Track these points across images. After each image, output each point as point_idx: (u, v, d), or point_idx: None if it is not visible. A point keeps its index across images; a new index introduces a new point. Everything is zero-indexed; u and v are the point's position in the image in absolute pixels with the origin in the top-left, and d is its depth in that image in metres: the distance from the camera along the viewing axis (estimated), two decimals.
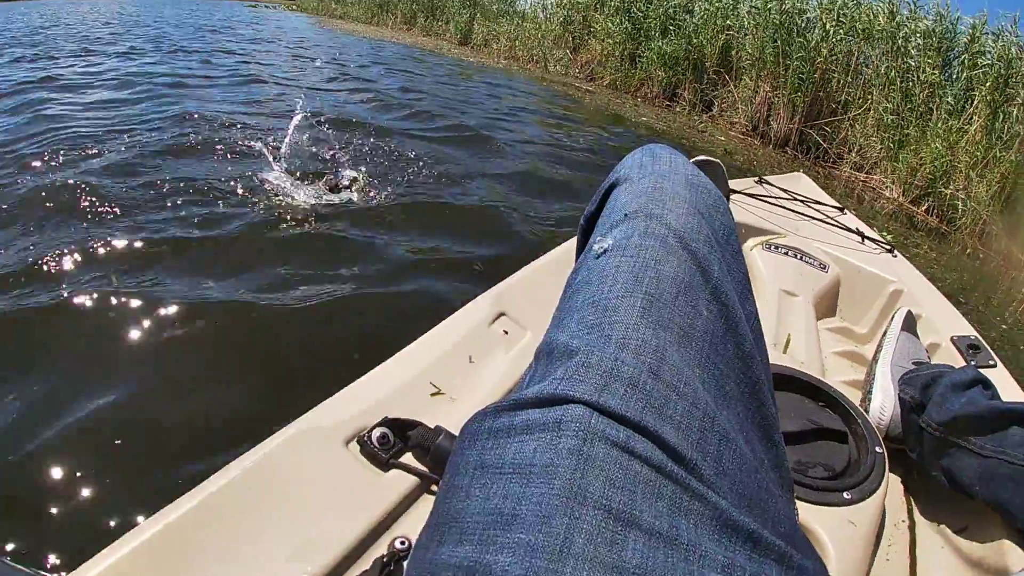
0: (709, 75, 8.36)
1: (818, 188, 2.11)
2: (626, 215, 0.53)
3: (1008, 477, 0.79)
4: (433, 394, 0.80)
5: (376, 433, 0.70)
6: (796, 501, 0.76)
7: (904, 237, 4.77)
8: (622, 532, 0.33)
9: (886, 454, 0.86)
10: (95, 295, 1.78)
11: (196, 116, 3.95)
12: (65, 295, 1.78)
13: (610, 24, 9.68)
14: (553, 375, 0.41)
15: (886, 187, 6.51)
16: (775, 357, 1.01)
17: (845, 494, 0.78)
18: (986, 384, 0.92)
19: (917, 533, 0.90)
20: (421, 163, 3.49)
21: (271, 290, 1.98)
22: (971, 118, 6.16)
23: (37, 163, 2.87)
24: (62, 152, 3.02)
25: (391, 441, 0.70)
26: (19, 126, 3.60)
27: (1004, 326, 3.42)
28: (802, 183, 2.16)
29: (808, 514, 0.76)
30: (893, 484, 0.97)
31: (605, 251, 0.50)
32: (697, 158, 1.27)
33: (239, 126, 3.83)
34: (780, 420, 0.83)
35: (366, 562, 0.61)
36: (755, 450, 0.47)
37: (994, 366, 1.19)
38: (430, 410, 0.77)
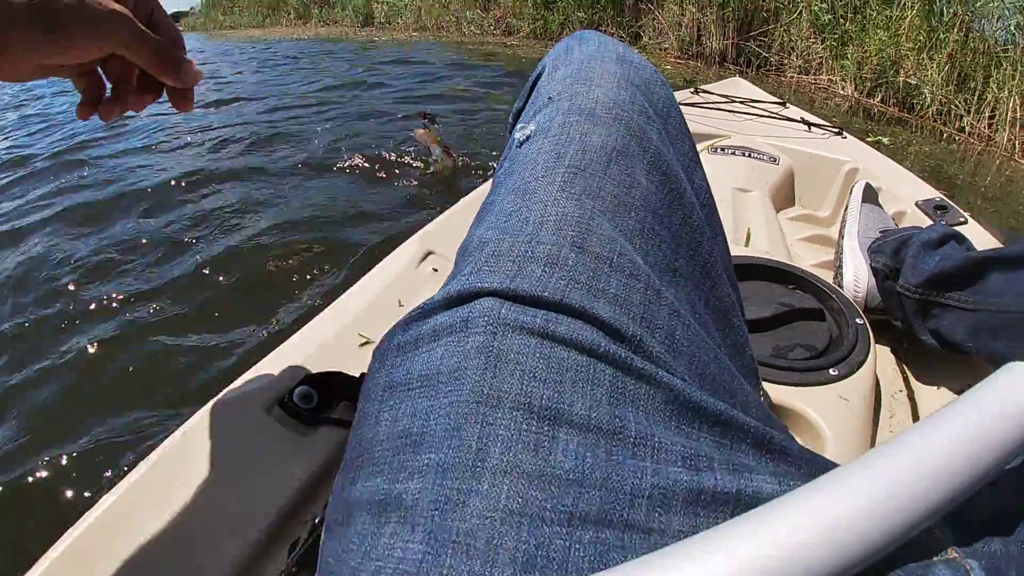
0: (630, 6, 8.37)
1: (757, 89, 2.12)
2: (550, 98, 0.50)
3: (1000, 326, 0.79)
4: (362, 344, 0.80)
5: (298, 392, 0.69)
6: (781, 386, 0.75)
7: (865, 130, 4.86)
8: (548, 432, 0.30)
9: (868, 325, 0.86)
10: None
11: None
12: None
13: None
14: (462, 272, 0.37)
15: (837, 85, 6.60)
16: (737, 251, 1.00)
17: (831, 371, 0.77)
18: (959, 238, 0.92)
19: (917, 400, 0.90)
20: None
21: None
22: (904, 4, 6.27)
23: None
24: None
25: (315, 398, 0.69)
26: None
27: (979, 195, 3.50)
28: (741, 87, 2.17)
29: (795, 397, 0.75)
30: (883, 355, 0.98)
31: (528, 138, 0.48)
32: None
33: None
34: (749, 307, 0.82)
35: (301, 527, 0.60)
36: (710, 334, 0.44)
37: (965, 223, 1.20)
38: (360, 360, 0.77)
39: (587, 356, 0.33)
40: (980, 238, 1.12)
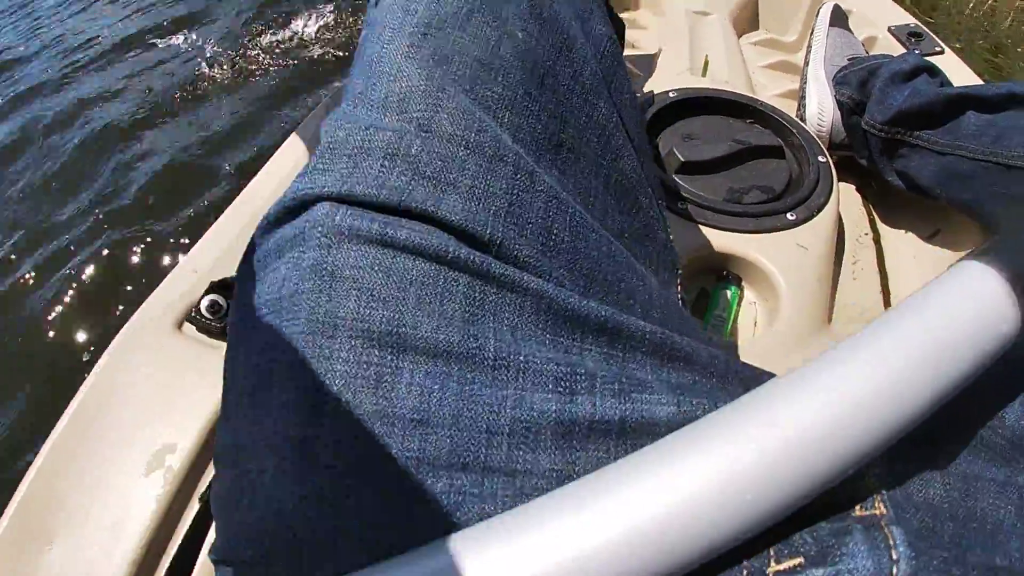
0: None
1: None
2: None
3: (970, 174, 0.74)
4: None
5: (205, 303, 0.64)
6: (735, 234, 0.70)
7: None
8: (391, 362, 0.27)
9: (832, 163, 0.80)
10: None
11: None
12: None
13: None
14: (301, 171, 0.32)
15: None
16: (693, 82, 0.93)
17: (789, 215, 0.72)
18: (932, 71, 0.85)
19: (884, 245, 0.86)
20: None
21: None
22: None
23: None
24: None
25: (223, 307, 0.64)
26: None
27: (961, 24, 3.39)
28: None
29: (749, 246, 0.70)
30: (849, 195, 0.93)
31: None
32: None
33: None
34: (702, 146, 0.75)
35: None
36: (610, 218, 0.39)
37: (941, 52, 1.13)
38: None
39: (435, 265, 0.29)
40: (957, 71, 1.04)
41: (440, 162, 0.30)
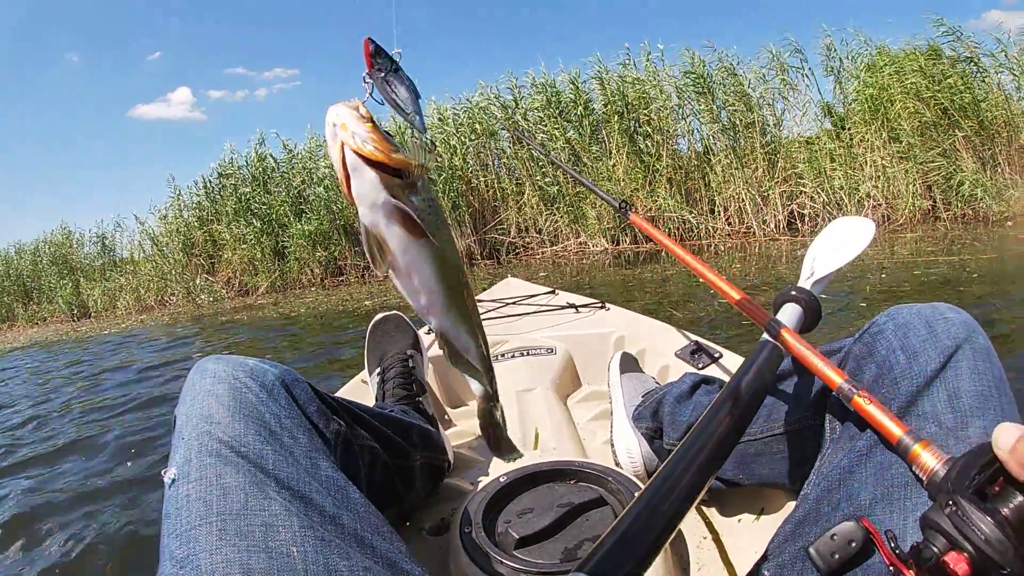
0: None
1: (527, 284, 2.44)
2: (183, 438, 0.64)
3: (758, 453, 0.91)
4: None
5: None
6: None
7: (626, 277, 5.60)
8: None
9: None
10: None
11: None
12: None
13: (234, 229, 9.90)
14: None
15: (589, 244, 7.76)
16: (527, 459, 1.10)
17: None
18: (708, 380, 1.07)
19: (724, 541, 1.01)
20: None
21: None
22: (611, 152, 7.81)
23: None
24: None
25: None
26: None
27: (752, 282, 4.09)
28: (512, 285, 2.48)
29: None
30: None
31: (174, 480, 0.61)
32: (381, 316, 1.47)
33: None
34: (532, 519, 0.94)
35: None
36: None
37: (719, 357, 1.42)
38: None
39: None
40: (735, 367, 1.25)
41: None
